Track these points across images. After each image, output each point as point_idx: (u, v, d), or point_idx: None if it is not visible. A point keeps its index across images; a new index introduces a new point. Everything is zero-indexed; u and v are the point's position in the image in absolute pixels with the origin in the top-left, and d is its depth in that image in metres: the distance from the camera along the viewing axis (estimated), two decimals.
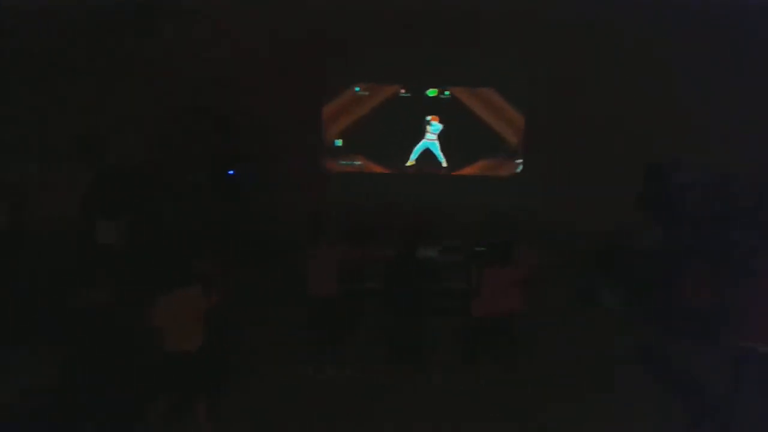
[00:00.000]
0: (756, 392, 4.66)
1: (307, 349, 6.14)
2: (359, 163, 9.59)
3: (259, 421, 5.15)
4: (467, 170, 9.55)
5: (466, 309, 6.11)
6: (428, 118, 9.38)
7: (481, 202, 9.14)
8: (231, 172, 8.78)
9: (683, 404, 5.37)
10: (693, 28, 8.47)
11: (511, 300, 5.74)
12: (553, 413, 5.27)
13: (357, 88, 9.42)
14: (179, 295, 4.63)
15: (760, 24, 8.44)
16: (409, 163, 9.53)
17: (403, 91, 9.35)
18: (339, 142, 9.54)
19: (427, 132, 9.43)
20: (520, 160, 9.48)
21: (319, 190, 9.23)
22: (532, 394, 5.61)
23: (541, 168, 9.16)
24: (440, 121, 9.37)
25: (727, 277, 6.15)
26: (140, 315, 4.64)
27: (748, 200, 7.99)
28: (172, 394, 4.93)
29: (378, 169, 9.59)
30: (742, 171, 8.06)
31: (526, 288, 5.79)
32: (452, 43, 8.89)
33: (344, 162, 9.60)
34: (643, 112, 8.64)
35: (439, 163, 9.51)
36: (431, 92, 9.34)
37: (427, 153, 9.49)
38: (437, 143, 9.42)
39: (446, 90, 9.34)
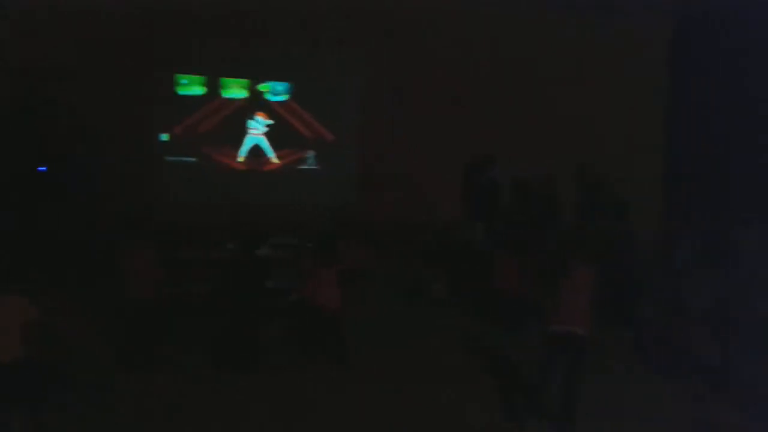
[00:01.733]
0: (569, 372, 5.09)
1: (126, 355, 5.94)
2: (188, 159, 9.41)
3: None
4: (291, 165, 9.75)
5: (297, 307, 6.28)
6: (255, 115, 9.49)
7: (305, 197, 9.43)
8: (42, 168, 8.16)
9: (503, 387, 5.84)
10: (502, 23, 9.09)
11: (337, 295, 6.00)
12: (384, 406, 5.46)
13: (185, 80, 9.24)
14: None
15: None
16: (239, 159, 9.59)
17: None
18: (165, 137, 9.29)
19: (249, 128, 9.52)
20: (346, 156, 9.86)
21: (143, 187, 8.99)
22: (364, 389, 5.76)
23: (368, 163, 9.63)
24: (269, 117, 9.51)
25: (541, 269, 6.54)
26: None
27: (557, 197, 8.56)
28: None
29: (207, 164, 9.48)
30: (554, 170, 8.56)
31: (352, 282, 6.17)
32: (283, 38, 9.09)
33: (171, 158, 9.37)
34: (466, 108, 9.23)
35: (268, 159, 9.67)
36: (263, 87, 9.48)
37: (258, 148, 9.61)
38: (264, 138, 9.56)
39: (279, 85, 9.51)
